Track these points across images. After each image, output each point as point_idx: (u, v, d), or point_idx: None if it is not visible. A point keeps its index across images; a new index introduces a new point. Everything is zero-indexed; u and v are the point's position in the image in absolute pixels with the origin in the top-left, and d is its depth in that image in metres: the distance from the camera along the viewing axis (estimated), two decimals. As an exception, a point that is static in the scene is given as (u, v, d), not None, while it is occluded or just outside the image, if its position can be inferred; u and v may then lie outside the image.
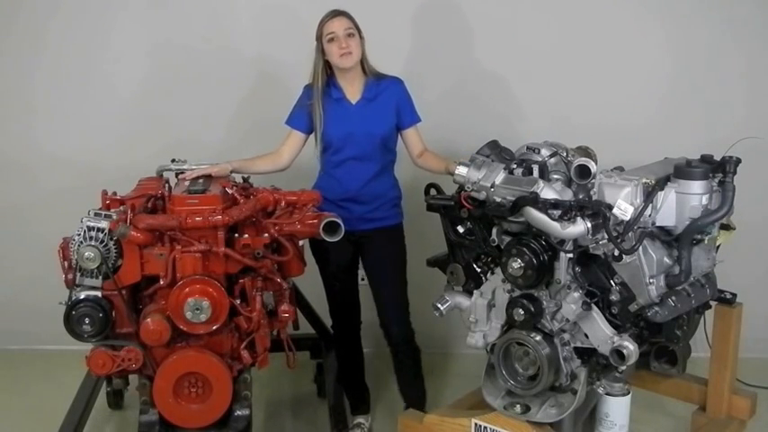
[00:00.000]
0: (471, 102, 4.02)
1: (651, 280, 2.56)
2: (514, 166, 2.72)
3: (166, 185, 3.02)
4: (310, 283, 3.37)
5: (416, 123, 3.21)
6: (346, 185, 3.15)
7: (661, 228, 2.63)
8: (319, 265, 3.27)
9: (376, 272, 3.25)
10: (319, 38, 3.07)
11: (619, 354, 2.56)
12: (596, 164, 2.63)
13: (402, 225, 3.27)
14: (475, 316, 2.87)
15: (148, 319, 2.63)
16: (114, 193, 2.94)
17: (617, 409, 2.84)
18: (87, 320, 2.62)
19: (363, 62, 3.12)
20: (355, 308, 3.34)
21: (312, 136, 3.18)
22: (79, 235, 2.63)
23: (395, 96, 3.16)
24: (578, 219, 2.48)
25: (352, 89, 3.13)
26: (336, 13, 3.06)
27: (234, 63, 4.02)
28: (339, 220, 2.81)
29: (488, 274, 2.85)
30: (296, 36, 3.75)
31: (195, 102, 4.03)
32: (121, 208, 2.81)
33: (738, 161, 2.67)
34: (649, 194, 2.54)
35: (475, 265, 2.88)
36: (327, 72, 3.12)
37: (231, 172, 3.08)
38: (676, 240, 2.63)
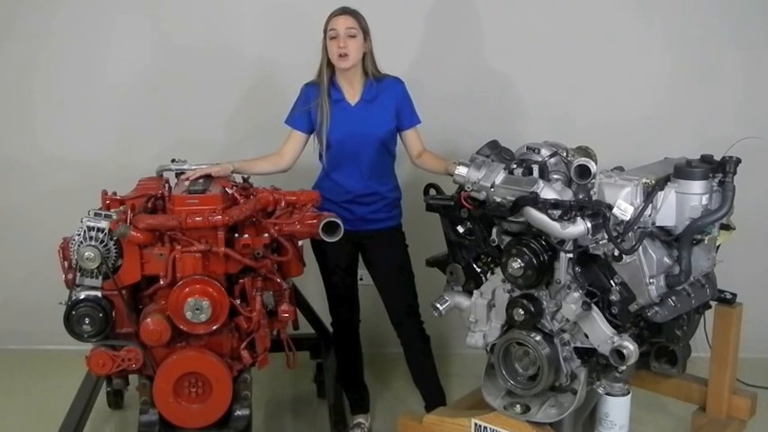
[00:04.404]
0: (471, 102, 4.02)
1: (651, 280, 2.56)
2: (514, 166, 2.73)
3: (166, 185, 3.02)
4: (310, 283, 3.37)
5: (416, 125, 3.21)
6: (347, 187, 3.15)
7: (661, 228, 2.63)
8: (320, 264, 3.27)
9: (383, 275, 3.25)
10: (324, 32, 3.06)
11: (619, 354, 2.56)
12: (596, 164, 2.63)
13: (401, 225, 3.28)
14: (475, 316, 2.87)
15: (148, 319, 2.63)
16: (114, 193, 2.94)
17: (617, 409, 2.84)
18: (87, 320, 2.62)
19: (365, 63, 3.11)
20: (354, 307, 3.35)
21: (313, 136, 3.17)
22: (79, 235, 2.63)
23: (394, 97, 3.15)
24: (578, 219, 2.48)
25: (352, 90, 3.13)
26: (343, 11, 3.05)
27: (235, 63, 4.02)
28: (339, 221, 2.80)
29: (488, 274, 2.85)
30: (298, 36, 3.76)
31: (196, 101, 4.03)
32: (121, 208, 2.80)
33: (738, 161, 2.67)
34: (649, 194, 2.54)
35: (475, 265, 2.88)
36: (329, 71, 3.10)
37: (232, 172, 3.08)
38: (676, 240, 2.63)
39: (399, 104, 3.16)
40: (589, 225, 2.47)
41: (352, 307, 3.34)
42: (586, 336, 2.66)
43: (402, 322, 3.28)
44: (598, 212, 2.47)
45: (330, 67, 3.09)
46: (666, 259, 2.61)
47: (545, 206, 2.51)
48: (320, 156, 3.18)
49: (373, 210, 3.18)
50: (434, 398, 3.32)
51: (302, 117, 3.14)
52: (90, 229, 2.63)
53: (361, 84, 3.13)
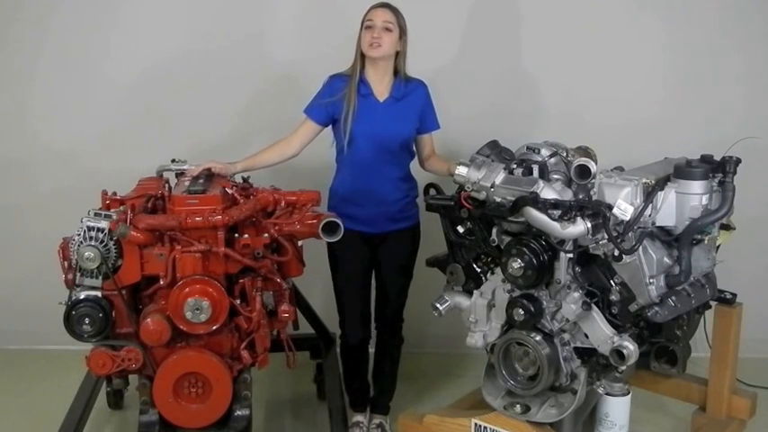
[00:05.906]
0: (472, 102, 4.01)
1: (651, 280, 2.56)
2: (514, 166, 2.73)
3: (166, 185, 3.02)
4: (310, 283, 3.36)
5: (435, 130, 3.21)
6: (374, 186, 3.10)
7: (661, 228, 2.63)
8: (333, 273, 3.22)
9: (385, 267, 3.22)
10: (362, 23, 3.04)
11: (619, 354, 2.57)
12: (596, 164, 2.63)
13: (419, 224, 3.25)
14: (475, 316, 2.87)
15: (148, 319, 2.62)
16: (114, 193, 2.94)
17: (617, 409, 2.84)
18: (87, 320, 2.62)
19: (397, 61, 3.09)
20: (366, 321, 3.28)
21: (328, 131, 3.14)
22: (79, 235, 2.63)
23: (421, 100, 3.14)
24: (578, 219, 2.48)
25: (381, 87, 3.09)
26: (383, 4, 3.05)
27: (237, 62, 4.01)
28: (338, 221, 2.79)
29: (488, 274, 2.85)
30: (304, 35, 3.77)
31: (196, 101, 4.02)
32: (121, 208, 2.81)
33: (738, 161, 2.67)
34: (649, 194, 2.55)
35: (475, 265, 2.89)
36: (361, 63, 3.07)
37: (237, 173, 3.08)
38: (676, 240, 2.63)
39: (424, 107, 3.15)
40: (589, 225, 2.47)
41: (363, 320, 3.27)
42: (586, 336, 2.66)
43: (386, 324, 3.28)
44: (598, 212, 2.47)
45: (362, 60, 3.06)
46: (666, 259, 2.61)
47: (545, 206, 2.51)
48: (341, 151, 3.11)
49: (398, 209, 3.14)
50: (382, 394, 3.38)
51: (320, 109, 3.10)
52: (90, 229, 2.63)
53: (391, 81, 3.10)
